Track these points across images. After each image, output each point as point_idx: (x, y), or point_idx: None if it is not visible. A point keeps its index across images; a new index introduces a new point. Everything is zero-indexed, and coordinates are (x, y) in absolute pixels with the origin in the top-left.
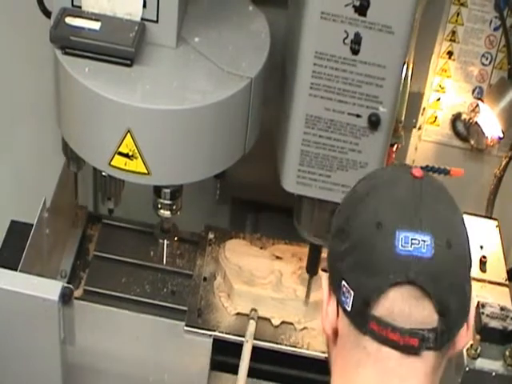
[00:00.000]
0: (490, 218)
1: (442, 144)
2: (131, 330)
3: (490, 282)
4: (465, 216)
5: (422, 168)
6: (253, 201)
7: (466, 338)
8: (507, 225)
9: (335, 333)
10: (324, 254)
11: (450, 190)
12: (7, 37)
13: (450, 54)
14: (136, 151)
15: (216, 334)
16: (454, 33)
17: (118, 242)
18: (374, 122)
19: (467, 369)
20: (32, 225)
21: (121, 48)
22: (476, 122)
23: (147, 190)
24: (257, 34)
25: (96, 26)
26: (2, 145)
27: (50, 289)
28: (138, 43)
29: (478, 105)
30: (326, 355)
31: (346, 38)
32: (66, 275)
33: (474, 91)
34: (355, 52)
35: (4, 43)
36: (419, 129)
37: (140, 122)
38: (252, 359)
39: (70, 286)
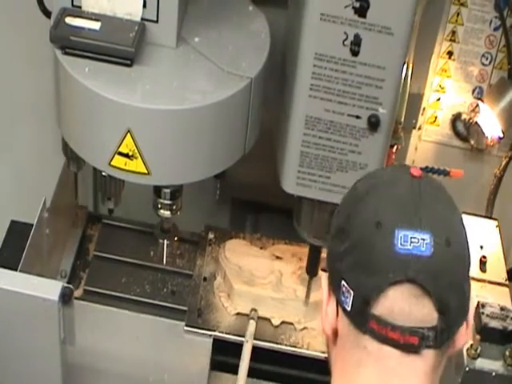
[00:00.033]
0: (490, 218)
1: (441, 144)
2: (131, 330)
3: (490, 282)
4: (465, 216)
5: (421, 169)
6: (253, 201)
7: (465, 336)
8: (507, 225)
9: (335, 333)
10: (324, 255)
11: (450, 189)
12: (7, 37)
13: (449, 53)
14: (136, 151)
15: (216, 333)
16: (454, 33)
17: (118, 242)
18: (373, 124)
19: (467, 369)
20: (32, 225)
21: (121, 48)
22: (476, 122)
23: (147, 190)
24: (257, 34)
25: (96, 26)
26: (2, 145)
27: (50, 289)
28: (138, 43)
29: (477, 105)
30: (326, 355)
31: (345, 39)
32: (66, 275)
33: (474, 91)
34: (355, 53)
35: (4, 43)
36: (419, 129)
37: (140, 122)
38: (252, 359)
39: (70, 286)
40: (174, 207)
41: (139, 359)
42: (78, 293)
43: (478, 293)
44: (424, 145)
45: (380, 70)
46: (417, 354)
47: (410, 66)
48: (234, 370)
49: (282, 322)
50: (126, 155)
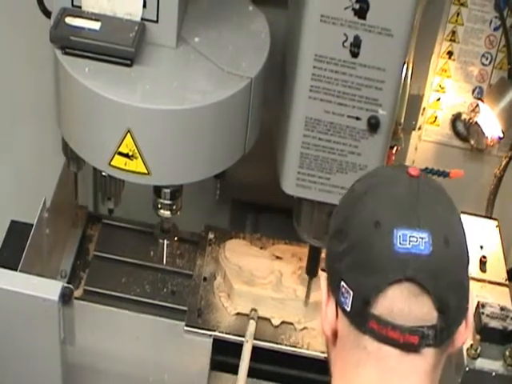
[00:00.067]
0: (490, 217)
1: (442, 144)
2: (131, 330)
3: (490, 282)
4: (465, 216)
5: (421, 170)
6: (253, 201)
7: (464, 335)
8: (507, 225)
9: (334, 334)
10: (324, 255)
11: (450, 189)
12: (7, 37)
13: (449, 53)
14: (136, 151)
15: (216, 334)
16: (454, 33)
17: (118, 242)
18: (373, 125)
19: (467, 369)
20: (32, 225)
21: (121, 48)
22: (476, 122)
23: (147, 190)
24: (257, 34)
25: (96, 26)
26: (2, 145)
27: (50, 289)
28: (138, 43)
29: (477, 105)
30: (326, 355)
31: (345, 40)
32: (66, 275)
33: (474, 91)
34: (355, 55)
35: (4, 43)
36: (419, 129)
37: (140, 122)
38: (252, 359)
39: (70, 286)
40: (174, 207)
41: (139, 359)
42: (78, 293)
43: (478, 293)
44: (424, 145)
45: (380, 72)
46: (417, 352)
47: (410, 66)
48: (233, 369)
49: (282, 322)
50: (126, 155)
